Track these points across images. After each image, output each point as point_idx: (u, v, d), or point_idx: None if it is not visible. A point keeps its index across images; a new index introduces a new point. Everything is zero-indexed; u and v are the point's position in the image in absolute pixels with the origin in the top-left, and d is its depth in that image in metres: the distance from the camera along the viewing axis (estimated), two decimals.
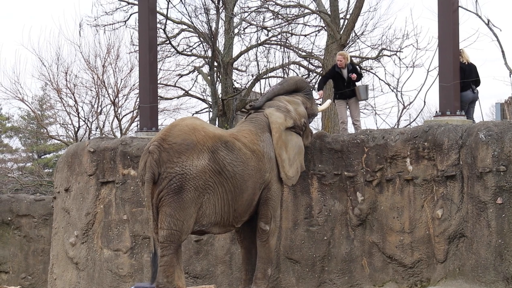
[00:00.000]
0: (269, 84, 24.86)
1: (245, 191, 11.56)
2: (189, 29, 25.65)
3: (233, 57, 25.52)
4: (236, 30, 25.22)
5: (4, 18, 66.59)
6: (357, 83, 15.98)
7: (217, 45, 24.67)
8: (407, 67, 23.43)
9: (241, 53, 25.71)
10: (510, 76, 18.34)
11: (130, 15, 24.96)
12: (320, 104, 15.18)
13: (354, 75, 15.71)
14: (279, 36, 25.10)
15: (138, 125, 16.32)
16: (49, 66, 28.49)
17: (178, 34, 25.97)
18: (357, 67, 16.68)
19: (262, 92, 24.32)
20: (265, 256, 12.18)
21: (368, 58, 23.67)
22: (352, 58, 16.48)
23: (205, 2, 24.51)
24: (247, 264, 12.52)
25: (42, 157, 41.64)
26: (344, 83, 15.79)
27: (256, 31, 25.01)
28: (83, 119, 28.63)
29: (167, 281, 11.00)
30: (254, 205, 11.93)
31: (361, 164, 13.19)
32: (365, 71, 23.63)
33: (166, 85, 27.68)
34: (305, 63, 25.66)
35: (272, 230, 12.16)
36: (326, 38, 21.93)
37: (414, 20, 30.96)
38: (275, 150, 12.09)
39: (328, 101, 14.08)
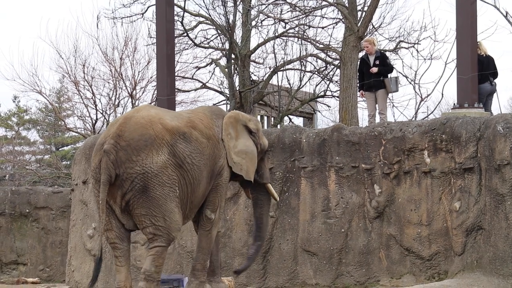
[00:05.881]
0: (287, 76, 24.90)
1: (201, 181, 11.04)
2: (207, 21, 25.72)
3: (250, 49, 25.58)
4: (253, 23, 25.26)
5: (22, 11, 66.81)
6: (389, 75, 15.92)
7: (235, 38, 24.73)
8: (424, 59, 23.50)
9: (258, 46, 25.76)
10: None
11: (148, 7, 25.07)
12: None
13: (373, 69, 15.65)
14: (296, 29, 25.13)
15: None
16: (66, 59, 28.62)
17: (195, 26, 26.06)
18: (387, 58, 16.51)
19: (280, 84, 24.37)
20: (206, 246, 11.53)
21: (386, 51, 23.62)
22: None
23: None
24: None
25: (60, 149, 41.76)
26: (369, 72, 15.74)
27: (273, 24, 25.07)
28: (101, 111, 28.76)
29: (155, 270, 10.53)
30: (207, 195, 11.37)
31: (379, 156, 13.16)
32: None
33: (184, 77, 27.76)
34: (322, 55, 25.68)
35: (216, 220, 11.52)
36: (344, 30, 21.90)
37: (432, 12, 31.05)
38: (223, 129, 11.40)
39: (276, 198, 12.99)
